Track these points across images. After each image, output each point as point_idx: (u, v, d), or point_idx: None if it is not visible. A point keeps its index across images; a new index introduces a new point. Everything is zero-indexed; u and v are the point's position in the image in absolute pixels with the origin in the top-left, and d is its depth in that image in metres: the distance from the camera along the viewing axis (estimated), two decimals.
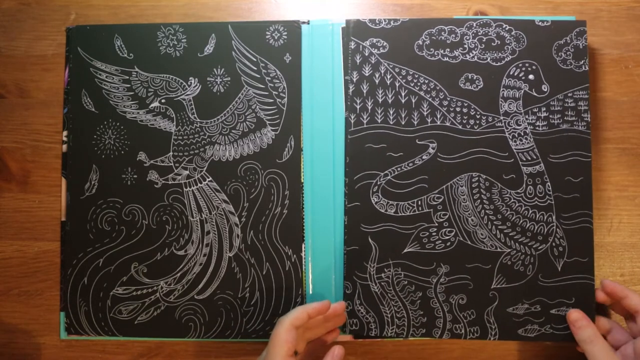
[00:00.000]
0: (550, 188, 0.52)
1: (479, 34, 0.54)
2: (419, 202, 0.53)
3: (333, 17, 0.59)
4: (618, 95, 0.58)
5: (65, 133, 0.58)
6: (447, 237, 0.53)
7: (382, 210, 0.53)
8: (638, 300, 0.49)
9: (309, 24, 0.57)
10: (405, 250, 0.53)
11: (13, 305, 0.58)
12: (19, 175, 0.59)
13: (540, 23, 0.54)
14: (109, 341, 0.57)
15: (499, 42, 0.54)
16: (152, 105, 0.57)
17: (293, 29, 0.57)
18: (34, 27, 0.60)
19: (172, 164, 0.57)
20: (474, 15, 0.58)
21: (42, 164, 0.59)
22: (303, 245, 0.55)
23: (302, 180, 0.56)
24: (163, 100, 0.57)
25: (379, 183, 0.53)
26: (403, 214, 0.53)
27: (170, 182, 0.57)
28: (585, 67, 0.53)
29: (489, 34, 0.53)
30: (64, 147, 0.58)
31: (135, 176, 0.57)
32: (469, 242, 0.53)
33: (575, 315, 0.50)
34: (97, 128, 0.57)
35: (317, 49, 0.57)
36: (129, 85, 0.58)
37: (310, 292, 0.55)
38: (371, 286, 0.53)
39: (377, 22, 0.55)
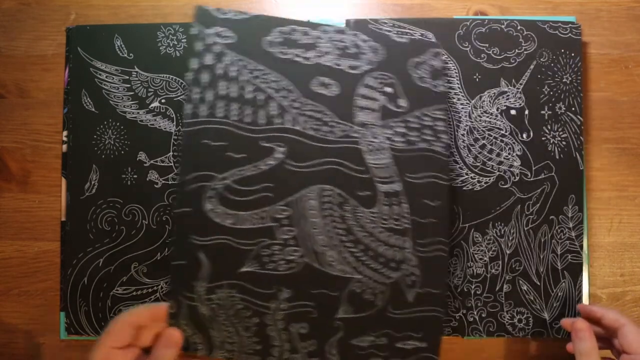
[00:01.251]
0: (407, 210, 0.47)
1: (334, 39, 0.49)
2: (262, 214, 0.46)
3: (333, 17, 0.59)
4: (618, 95, 0.58)
5: (65, 133, 0.58)
6: (292, 258, 0.46)
7: (218, 220, 0.46)
8: (614, 317, 0.47)
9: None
10: (242, 270, 0.46)
11: (13, 305, 0.58)
12: (19, 175, 0.59)
13: (398, 38, 0.51)
14: None
15: (355, 51, 0.49)
16: (152, 105, 0.57)
17: None
18: (34, 27, 0.60)
19: (172, 164, 0.57)
20: (474, 15, 0.58)
21: (42, 164, 0.59)
22: None
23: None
24: (163, 100, 0.57)
25: (215, 187, 0.46)
26: (242, 227, 0.46)
27: (170, 182, 0.57)
28: (442, 88, 0.50)
29: (344, 41, 0.49)
30: (64, 147, 0.58)
31: (135, 176, 0.57)
32: (317, 265, 0.46)
33: (580, 325, 0.48)
34: (97, 128, 0.57)
35: None
36: (129, 85, 0.58)
37: None
38: (199, 308, 0.45)
39: (225, 12, 0.48)
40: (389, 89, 0.49)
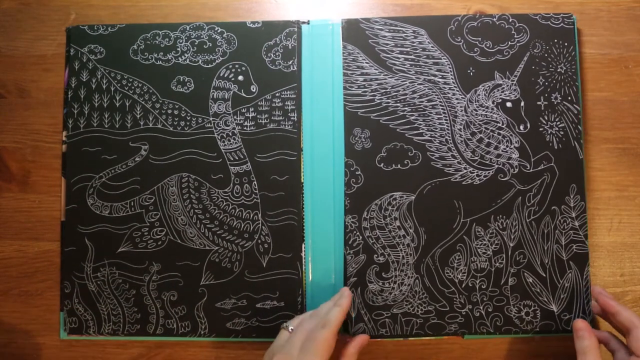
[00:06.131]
0: (256, 187, 0.55)
1: (192, 37, 0.56)
2: (132, 203, 0.56)
3: (333, 17, 0.59)
4: (618, 95, 0.58)
5: (65, 133, 0.58)
6: (158, 237, 0.55)
7: (97, 212, 0.56)
8: (629, 317, 0.47)
9: (309, 24, 0.57)
10: (119, 250, 0.55)
11: (13, 305, 0.58)
12: (19, 175, 0.59)
13: (251, 25, 0.56)
14: (109, 341, 0.57)
15: (211, 45, 0.56)
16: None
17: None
18: (34, 27, 0.60)
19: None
20: (473, 15, 0.58)
21: (42, 164, 0.59)
22: (303, 245, 0.55)
23: (302, 181, 0.56)
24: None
25: (94, 185, 0.56)
26: (117, 215, 0.56)
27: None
28: (293, 67, 0.56)
29: (202, 36, 0.56)
30: (64, 147, 0.58)
31: None
32: (179, 241, 0.55)
33: (579, 325, 0.49)
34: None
35: (317, 49, 0.57)
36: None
37: (310, 292, 0.55)
38: (88, 285, 0.56)
39: (96, 28, 0.57)
40: (241, 77, 0.55)
